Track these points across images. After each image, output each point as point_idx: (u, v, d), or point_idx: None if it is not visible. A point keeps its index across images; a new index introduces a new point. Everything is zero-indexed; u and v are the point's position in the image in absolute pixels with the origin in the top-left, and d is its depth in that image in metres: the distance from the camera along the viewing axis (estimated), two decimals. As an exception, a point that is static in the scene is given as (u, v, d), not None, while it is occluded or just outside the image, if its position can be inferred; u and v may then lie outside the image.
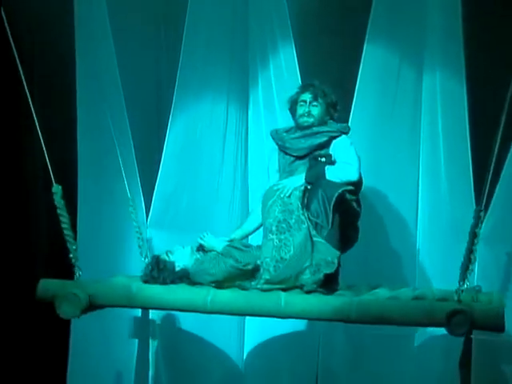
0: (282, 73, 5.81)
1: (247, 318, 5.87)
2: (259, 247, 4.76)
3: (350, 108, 5.70)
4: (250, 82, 5.92)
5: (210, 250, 4.82)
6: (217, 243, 4.83)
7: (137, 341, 5.81)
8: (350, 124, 5.62)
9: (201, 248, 4.89)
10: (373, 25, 5.63)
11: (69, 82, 5.64)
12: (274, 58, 5.83)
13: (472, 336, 5.37)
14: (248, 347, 5.96)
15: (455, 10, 5.54)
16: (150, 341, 5.86)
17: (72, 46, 5.58)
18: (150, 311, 5.74)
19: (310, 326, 5.77)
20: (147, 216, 5.83)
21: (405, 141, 5.73)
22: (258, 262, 4.66)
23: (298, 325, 5.75)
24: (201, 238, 4.89)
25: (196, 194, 5.85)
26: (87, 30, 5.64)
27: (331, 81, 5.75)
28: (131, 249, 5.59)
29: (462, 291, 4.32)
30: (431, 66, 5.67)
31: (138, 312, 5.73)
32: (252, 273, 4.67)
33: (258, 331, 5.90)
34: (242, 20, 5.86)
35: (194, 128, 5.87)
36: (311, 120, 4.99)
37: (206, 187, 5.87)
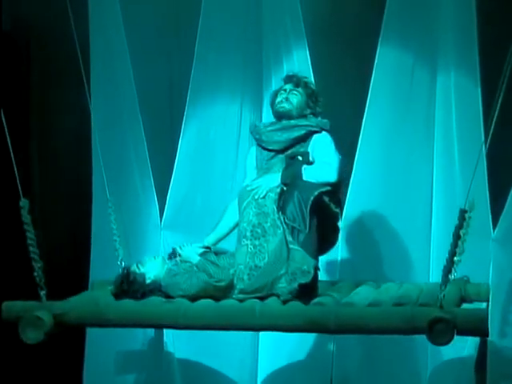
0: (295, 75, 5.79)
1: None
2: (233, 254, 4.63)
3: (364, 109, 5.65)
4: (263, 84, 5.90)
5: (186, 261, 4.70)
6: (193, 255, 4.70)
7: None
8: (364, 124, 5.66)
9: (173, 255, 4.78)
10: (386, 26, 5.58)
11: (82, 86, 5.67)
12: (288, 59, 5.80)
13: (487, 338, 5.29)
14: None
15: (469, 10, 5.48)
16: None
17: (86, 51, 5.62)
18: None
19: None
20: (161, 218, 5.88)
21: (419, 141, 5.67)
22: (232, 270, 4.53)
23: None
24: (180, 248, 4.79)
25: (210, 196, 5.85)
26: (101, 34, 5.73)
27: (345, 81, 5.81)
28: (144, 251, 5.69)
29: (444, 296, 4.12)
30: (445, 67, 5.61)
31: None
32: (225, 289, 4.54)
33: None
34: (256, 22, 5.84)
35: (208, 130, 5.88)
36: (288, 106, 4.80)
37: (220, 189, 5.85)
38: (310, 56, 5.75)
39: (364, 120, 5.66)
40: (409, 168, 5.68)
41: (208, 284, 4.51)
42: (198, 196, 5.88)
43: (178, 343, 5.81)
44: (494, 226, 5.49)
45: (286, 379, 5.86)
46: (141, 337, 5.72)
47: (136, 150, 5.79)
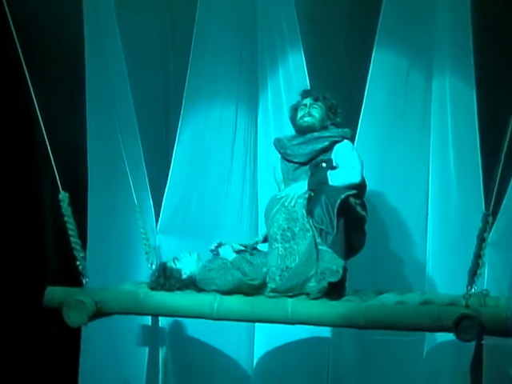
0: (291, 78, 5.77)
1: (257, 325, 5.85)
2: (266, 254, 4.76)
3: (360, 112, 5.66)
4: (259, 89, 5.90)
5: (221, 258, 4.85)
6: (229, 253, 4.85)
7: (147, 349, 5.80)
8: (359, 128, 5.67)
9: (216, 250, 4.92)
10: (382, 29, 5.60)
11: (77, 92, 5.66)
12: (283, 63, 5.81)
13: (483, 342, 5.31)
14: (258, 355, 5.92)
15: (464, 14, 5.51)
16: (160, 349, 5.84)
17: (82, 57, 5.60)
18: (160, 319, 5.73)
19: (319, 332, 5.69)
20: (157, 222, 5.85)
21: (414, 144, 5.70)
22: (265, 269, 4.66)
23: (308, 332, 5.67)
24: (220, 245, 4.92)
25: (205, 201, 5.86)
26: (96, 41, 5.69)
27: (340, 85, 5.80)
28: (141, 256, 5.61)
29: (470, 296, 4.28)
30: (440, 70, 5.64)
31: (148, 320, 5.73)
32: (258, 288, 4.67)
33: (267, 339, 5.86)
34: (251, 26, 5.85)
35: (203, 134, 5.88)
36: (311, 120, 4.99)
37: (215, 193, 5.87)
38: (306, 60, 5.75)
39: (359, 123, 5.66)
40: (404, 171, 5.69)
41: (242, 282, 4.65)
42: (194, 200, 5.87)
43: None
44: (489, 230, 5.50)
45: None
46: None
47: (131, 155, 5.73)
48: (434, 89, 5.67)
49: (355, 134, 5.63)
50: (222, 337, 5.78)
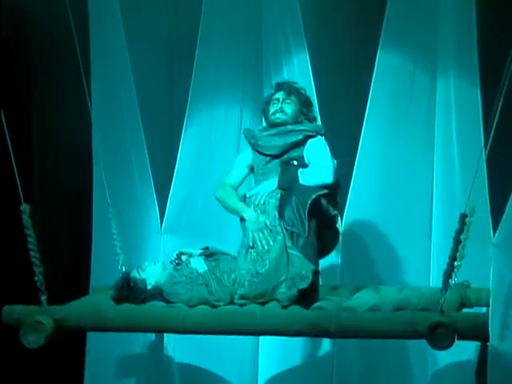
0: (295, 79, 5.74)
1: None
2: (235, 258, 4.67)
3: (364, 114, 5.65)
4: (263, 89, 5.87)
5: (189, 268, 4.67)
6: (201, 264, 4.66)
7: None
8: (364, 129, 5.66)
9: (176, 261, 4.75)
10: (386, 30, 5.58)
11: (82, 92, 5.67)
12: (288, 63, 5.81)
13: (488, 344, 5.28)
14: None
15: (469, 16, 5.47)
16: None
17: (87, 58, 5.64)
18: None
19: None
20: (161, 223, 5.89)
21: (419, 145, 5.66)
22: (233, 275, 4.55)
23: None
24: (181, 253, 4.80)
25: (210, 200, 5.77)
26: (101, 41, 5.76)
27: (345, 87, 5.81)
28: (144, 256, 5.69)
29: (445, 300, 4.15)
30: (445, 70, 5.61)
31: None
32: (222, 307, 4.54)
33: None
34: (256, 26, 5.86)
35: (208, 135, 5.90)
36: (284, 117, 4.85)
37: (220, 193, 5.88)
38: (310, 60, 5.75)
39: (364, 124, 5.66)
40: (409, 172, 5.67)
41: (207, 301, 4.50)
42: (199, 200, 5.88)
43: (179, 347, 5.82)
44: (494, 230, 5.48)
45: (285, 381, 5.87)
46: (141, 340, 5.73)
47: (136, 155, 5.81)
48: (438, 89, 5.64)
49: (359, 134, 5.65)
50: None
